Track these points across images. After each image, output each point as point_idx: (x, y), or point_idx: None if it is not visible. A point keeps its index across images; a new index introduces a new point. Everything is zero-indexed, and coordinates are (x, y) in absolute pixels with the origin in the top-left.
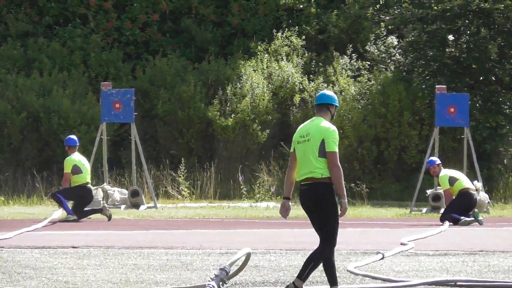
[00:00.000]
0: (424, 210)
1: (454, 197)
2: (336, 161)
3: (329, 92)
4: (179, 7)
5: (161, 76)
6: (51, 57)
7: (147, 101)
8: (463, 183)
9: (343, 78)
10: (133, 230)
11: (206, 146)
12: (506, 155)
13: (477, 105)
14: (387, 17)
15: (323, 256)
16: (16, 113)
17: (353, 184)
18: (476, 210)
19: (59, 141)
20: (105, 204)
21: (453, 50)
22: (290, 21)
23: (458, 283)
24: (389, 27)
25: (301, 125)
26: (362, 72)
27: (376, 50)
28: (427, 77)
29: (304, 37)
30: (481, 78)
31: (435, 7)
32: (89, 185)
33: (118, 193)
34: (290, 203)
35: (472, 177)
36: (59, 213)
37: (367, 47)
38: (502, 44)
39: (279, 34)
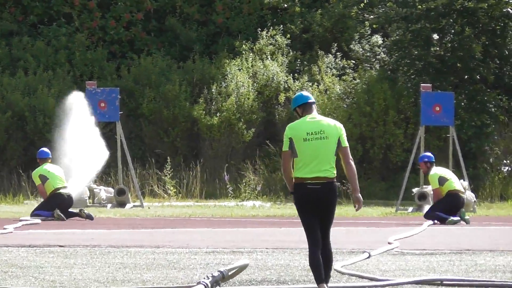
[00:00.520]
0: (410, 209)
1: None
2: (350, 155)
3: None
4: (163, 6)
5: (146, 75)
6: (35, 56)
7: (132, 100)
8: (454, 184)
9: (328, 77)
10: (120, 229)
11: (192, 145)
12: (491, 154)
13: (462, 104)
14: (372, 16)
15: (331, 252)
16: (1, 112)
17: (339, 183)
18: (462, 209)
19: (45, 140)
20: (82, 208)
21: (437, 49)
22: (274, 20)
23: (444, 282)
24: (374, 26)
25: (302, 122)
26: (347, 71)
27: (361, 49)
28: (412, 76)
29: (288, 36)
30: (466, 77)
31: (420, 6)
32: (62, 190)
33: (104, 191)
34: None
35: (458, 176)
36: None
37: (351, 46)
38: (487, 43)
39: (264, 33)
